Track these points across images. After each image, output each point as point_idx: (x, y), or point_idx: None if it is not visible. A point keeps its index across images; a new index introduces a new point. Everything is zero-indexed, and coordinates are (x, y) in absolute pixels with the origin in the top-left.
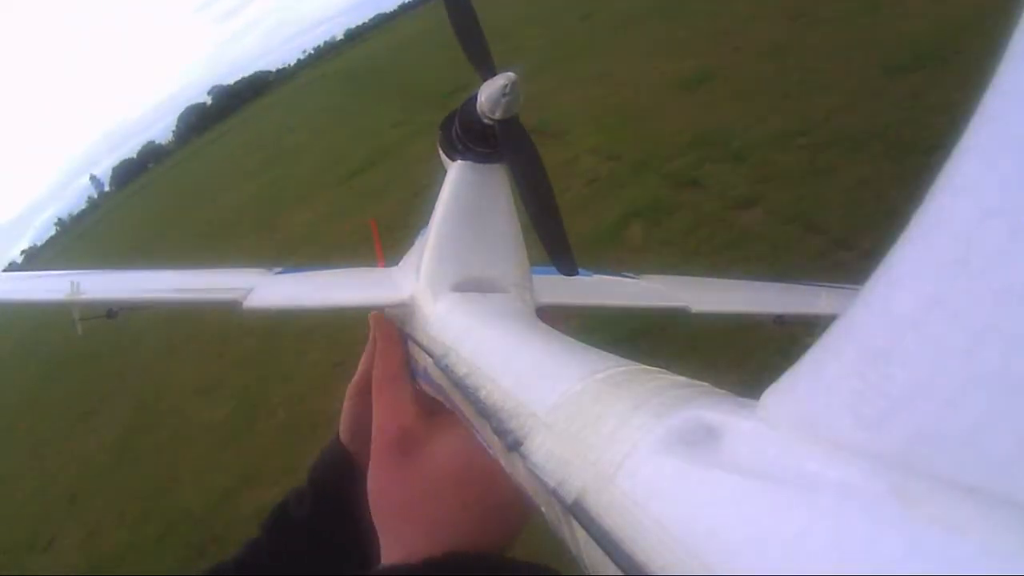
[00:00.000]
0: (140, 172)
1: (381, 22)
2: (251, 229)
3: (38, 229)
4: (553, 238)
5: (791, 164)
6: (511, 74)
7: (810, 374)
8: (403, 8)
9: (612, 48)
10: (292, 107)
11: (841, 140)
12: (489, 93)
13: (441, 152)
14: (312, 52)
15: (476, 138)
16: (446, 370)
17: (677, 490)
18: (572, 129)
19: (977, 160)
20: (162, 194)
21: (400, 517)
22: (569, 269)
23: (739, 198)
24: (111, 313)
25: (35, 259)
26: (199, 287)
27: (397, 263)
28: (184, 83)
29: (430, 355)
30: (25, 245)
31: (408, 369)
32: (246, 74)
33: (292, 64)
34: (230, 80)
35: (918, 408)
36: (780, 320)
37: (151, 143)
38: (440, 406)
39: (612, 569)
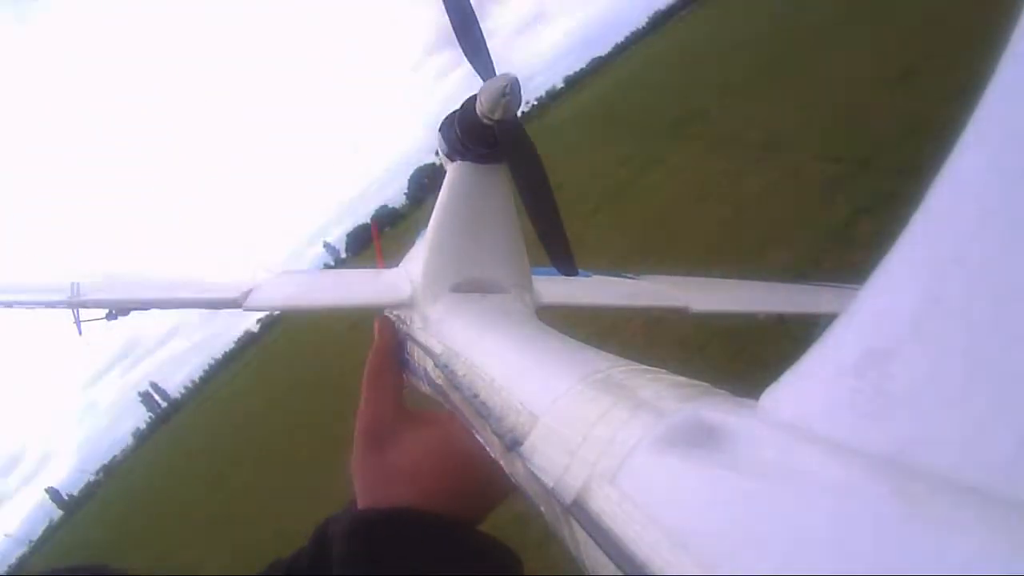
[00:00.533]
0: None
1: (598, 66)
2: None
3: None
4: (553, 239)
5: None
6: (511, 74)
7: (810, 374)
8: (618, 48)
9: None
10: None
11: None
12: (489, 94)
13: (441, 153)
14: (535, 103)
15: (476, 139)
16: (445, 370)
17: (677, 490)
18: None
19: (977, 159)
20: (401, 252)
21: (369, 493)
22: (569, 270)
23: None
24: (111, 315)
25: (271, 327)
26: (199, 289)
27: (397, 263)
28: (412, 145)
29: (430, 356)
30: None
31: (397, 365)
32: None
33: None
34: None
35: (918, 408)
36: (780, 320)
37: (384, 207)
38: (428, 404)
39: (612, 569)
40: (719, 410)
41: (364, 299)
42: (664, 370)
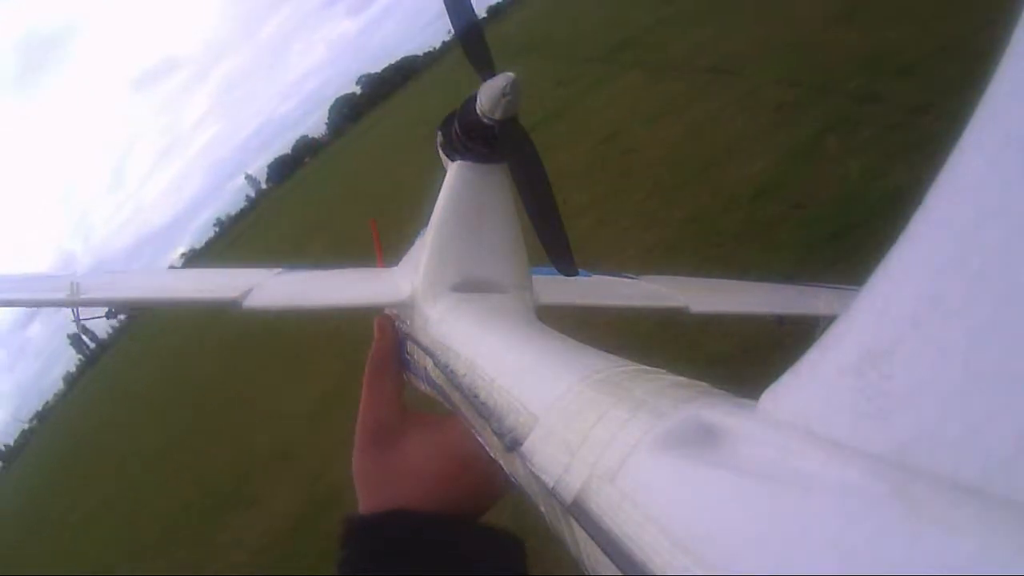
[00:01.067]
0: (296, 167)
1: None
2: (414, 203)
3: (197, 231)
4: (553, 238)
5: None
6: (511, 74)
7: (809, 374)
8: None
9: None
10: (446, 88)
11: None
12: (489, 94)
13: (441, 152)
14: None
15: (476, 138)
16: (446, 370)
17: (677, 490)
18: None
19: (977, 160)
20: (322, 184)
21: (371, 495)
22: (568, 270)
23: None
24: (110, 313)
25: (196, 262)
26: (199, 287)
27: (397, 263)
28: (329, 76)
29: (430, 355)
30: (184, 248)
31: (397, 365)
32: (393, 60)
33: (438, 47)
34: (378, 68)
35: (918, 408)
36: (780, 320)
37: (304, 137)
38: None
39: (612, 569)
40: (719, 410)
41: (364, 299)
42: (664, 370)
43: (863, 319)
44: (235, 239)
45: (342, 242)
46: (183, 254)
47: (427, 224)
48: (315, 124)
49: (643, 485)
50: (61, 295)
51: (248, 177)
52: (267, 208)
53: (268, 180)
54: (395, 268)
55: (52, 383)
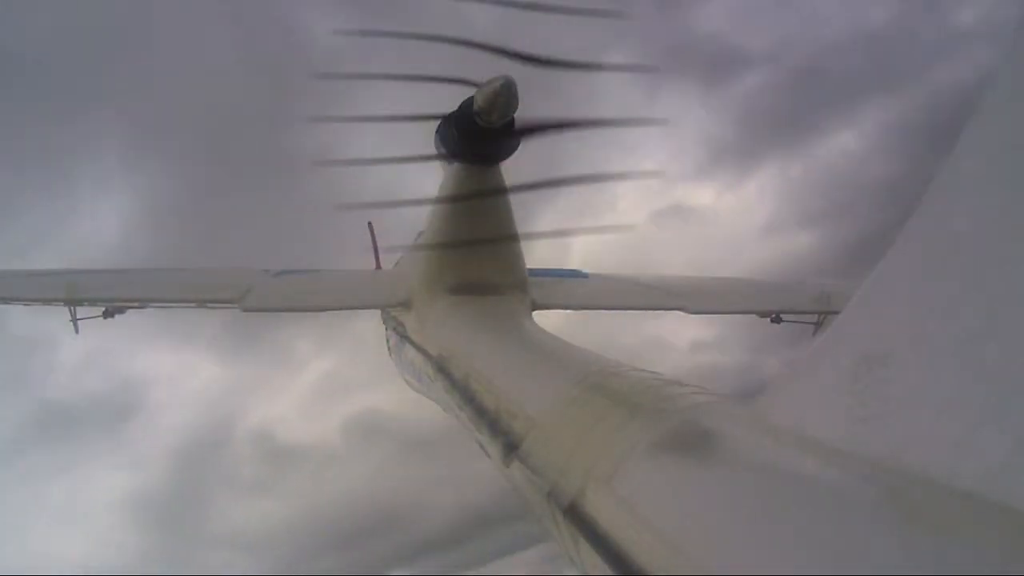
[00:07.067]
0: None
1: None
2: None
3: None
4: None
5: None
6: (507, 76)
7: (806, 377)
8: None
9: None
10: None
11: None
12: (485, 95)
13: (438, 154)
14: None
15: (473, 140)
16: (442, 372)
17: (672, 493)
18: None
19: (977, 160)
20: None
21: None
22: None
23: None
24: (108, 313)
25: None
26: (198, 288)
27: (394, 265)
28: None
29: (427, 357)
30: None
31: None
32: None
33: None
34: None
35: (913, 411)
36: (777, 319)
37: None
38: None
39: (608, 570)
40: (715, 414)
41: (362, 301)
42: (661, 373)
43: (859, 323)
44: None
45: None
46: None
47: (424, 226)
48: None
49: (639, 488)
50: (60, 294)
51: None
52: None
53: None
54: (392, 270)
55: None
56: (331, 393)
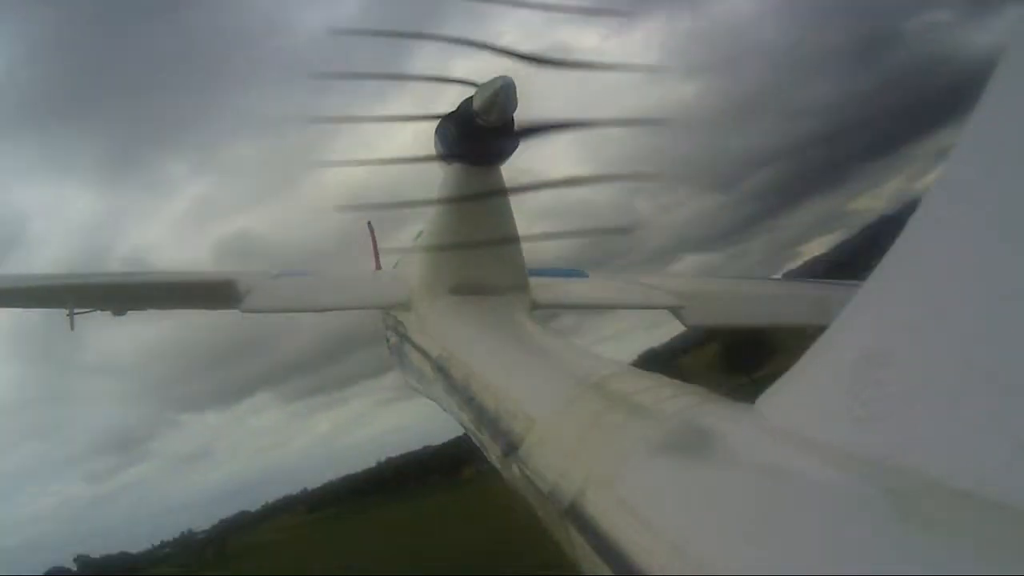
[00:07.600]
0: None
1: None
2: None
3: None
4: None
5: None
6: (507, 77)
7: (806, 379)
8: None
9: None
10: None
11: None
12: (484, 96)
13: (437, 155)
14: None
15: (472, 141)
16: (442, 373)
17: (673, 494)
18: None
19: (977, 160)
20: None
21: None
22: None
23: None
24: (116, 311)
25: None
26: (197, 289)
27: (394, 265)
28: None
29: (427, 358)
30: None
31: None
32: None
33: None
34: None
35: (912, 413)
36: (776, 319)
37: None
38: None
39: (608, 572)
40: (715, 415)
41: (362, 301)
42: (661, 375)
43: (859, 324)
44: None
45: None
46: None
47: (424, 227)
48: None
49: (640, 489)
50: (59, 296)
51: None
52: None
53: None
54: (392, 270)
55: None
56: (204, 218)
